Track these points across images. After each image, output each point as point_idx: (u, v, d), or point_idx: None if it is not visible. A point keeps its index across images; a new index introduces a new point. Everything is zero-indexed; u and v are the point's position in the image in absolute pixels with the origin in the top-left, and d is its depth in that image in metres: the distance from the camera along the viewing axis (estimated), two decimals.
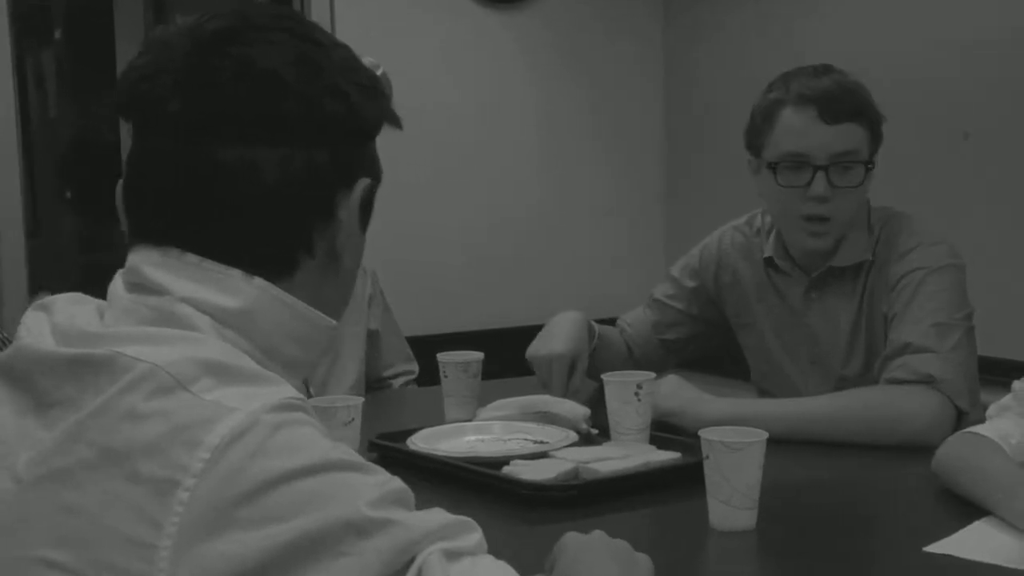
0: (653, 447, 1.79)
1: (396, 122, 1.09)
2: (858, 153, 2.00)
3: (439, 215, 3.62)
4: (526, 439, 1.87)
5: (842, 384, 2.05)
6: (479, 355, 2.11)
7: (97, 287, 1.06)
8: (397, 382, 2.59)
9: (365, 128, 1.06)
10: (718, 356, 2.43)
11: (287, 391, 0.92)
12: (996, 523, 1.42)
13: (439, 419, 2.03)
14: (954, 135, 3.22)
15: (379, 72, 1.19)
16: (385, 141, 1.10)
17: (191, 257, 0.98)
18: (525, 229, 3.77)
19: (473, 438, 1.89)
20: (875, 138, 2.03)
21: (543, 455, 1.73)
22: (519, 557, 1.43)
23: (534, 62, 3.75)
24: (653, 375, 1.90)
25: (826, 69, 2.02)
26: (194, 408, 0.87)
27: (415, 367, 2.58)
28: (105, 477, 0.85)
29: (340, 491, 0.88)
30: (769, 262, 2.18)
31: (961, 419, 1.83)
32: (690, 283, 2.32)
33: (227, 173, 0.98)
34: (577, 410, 1.94)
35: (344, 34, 3.36)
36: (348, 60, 1.06)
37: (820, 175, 1.98)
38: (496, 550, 1.45)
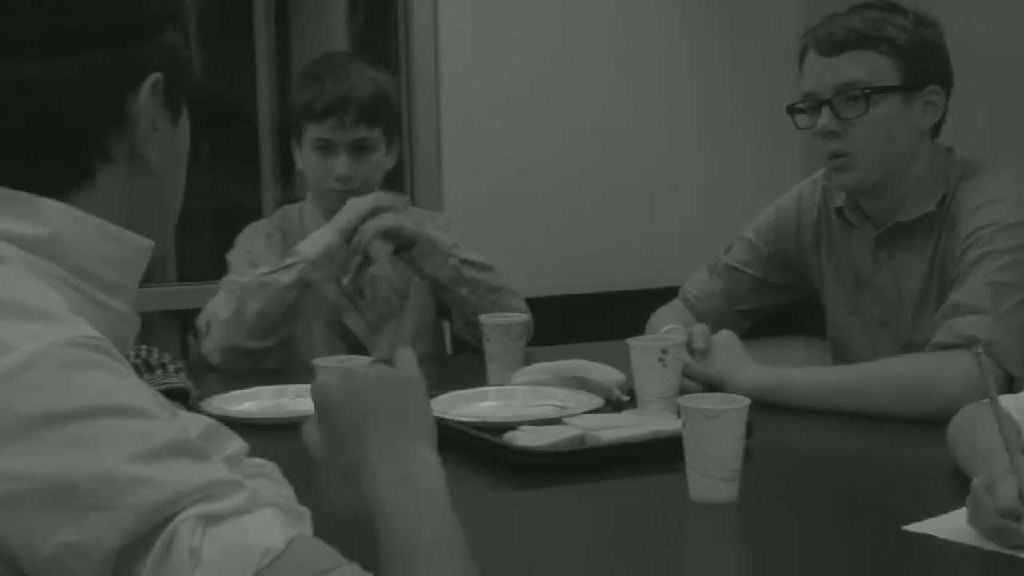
0: (674, 416, 1.81)
1: (176, 16, 1.11)
2: (868, 83, 1.98)
3: (530, 169, 3.57)
4: (552, 405, 1.92)
5: (909, 350, 2.02)
6: (523, 317, 2.17)
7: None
8: None
9: (144, 23, 1.07)
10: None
11: (81, 329, 0.94)
12: None
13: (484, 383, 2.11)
14: None
15: None
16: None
17: None
18: (624, 188, 3.64)
19: (494, 403, 1.96)
20: (909, 64, 1.99)
21: (555, 421, 1.78)
22: (504, 521, 1.52)
23: (651, 6, 3.68)
24: (681, 340, 1.92)
25: (864, 5, 2.02)
26: None
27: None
28: None
29: (105, 440, 0.89)
30: (840, 213, 2.15)
31: (1014, 387, 1.78)
32: (766, 248, 2.28)
33: (1, 92, 1.01)
34: (611, 376, 1.98)
35: None
36: None
37: (825, 109, 2.00)
38: (485, 514, 1.53)
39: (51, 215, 1.03)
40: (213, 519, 0.90)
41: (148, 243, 1.09)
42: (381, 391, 1.13)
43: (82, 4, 1.04)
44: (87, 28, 1.04)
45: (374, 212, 2.38)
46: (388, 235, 2.40)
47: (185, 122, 1.14)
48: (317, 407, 1.15)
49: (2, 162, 1.03)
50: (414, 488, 1.05)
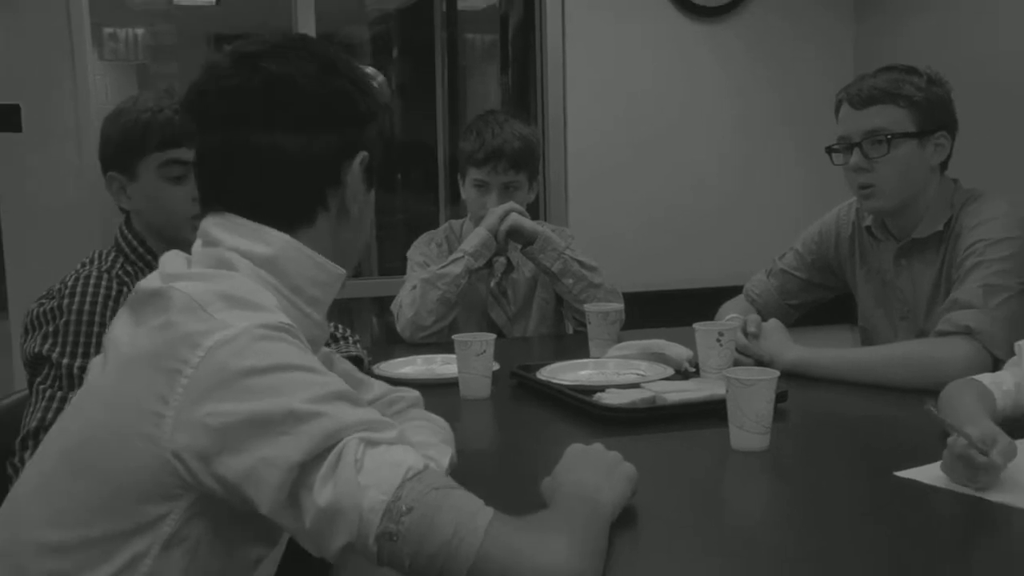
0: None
1: (384, 112, 1.20)
2: (890, 130, 1.96)
3: (632, 195, 3.59)
4: (635, 373, 1.95)
5: (923, 336, 1.99)
6: (618, 306, 2.20)
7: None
8: None
9: (361, 117, 1.17)
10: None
11: (278, 318, 1.04)
12: None
13: (586, 356, 2.14)
14: None
15: (378, 80, 1.30)
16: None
17: (237, 219, 1.12)
18: (701, 212, 3.64)
19: (591, 371, 1.99)
20: (922, 115, 1.96)
21: (635, 385, 1.81)
22: None
23: (728, 68, 3.66)
24: (735, 325, 1.93)
25: (888, 68, 1.97)
26: (203, 322, 1.01)
27: None
28: (145, 368, 1.01)
29: (290, 386, 0.98)
30: (868, 231, 2.13)
31: (998, 368, 1.74)
32: (810, 256, 2.28)
33: (261, 154, 1.11)
34: (683, 352, 2.00)
35: (574, 39, 3.48)
36: (350, 68, 1.17)
37: (856, 150, 1.99)
38: None
39: (277, 242, 1.12)
40: (371, 443, 0.98)
41: (343, 272, 1.18)
42: (603, 459, 1.22)
43: (334, 98, 1.14)
44: (334, 115, 1.14)
45: (508, 213, 2.46)
46: (514, 230, 2.46)
47: (373, 191, 1.21)
48: (579, 449, 1.24)
49: (257, 203, 1.13)
50: (581, 514, 1.07)
